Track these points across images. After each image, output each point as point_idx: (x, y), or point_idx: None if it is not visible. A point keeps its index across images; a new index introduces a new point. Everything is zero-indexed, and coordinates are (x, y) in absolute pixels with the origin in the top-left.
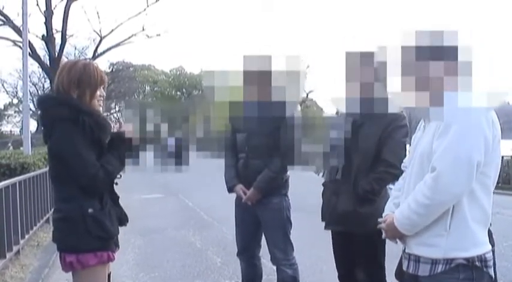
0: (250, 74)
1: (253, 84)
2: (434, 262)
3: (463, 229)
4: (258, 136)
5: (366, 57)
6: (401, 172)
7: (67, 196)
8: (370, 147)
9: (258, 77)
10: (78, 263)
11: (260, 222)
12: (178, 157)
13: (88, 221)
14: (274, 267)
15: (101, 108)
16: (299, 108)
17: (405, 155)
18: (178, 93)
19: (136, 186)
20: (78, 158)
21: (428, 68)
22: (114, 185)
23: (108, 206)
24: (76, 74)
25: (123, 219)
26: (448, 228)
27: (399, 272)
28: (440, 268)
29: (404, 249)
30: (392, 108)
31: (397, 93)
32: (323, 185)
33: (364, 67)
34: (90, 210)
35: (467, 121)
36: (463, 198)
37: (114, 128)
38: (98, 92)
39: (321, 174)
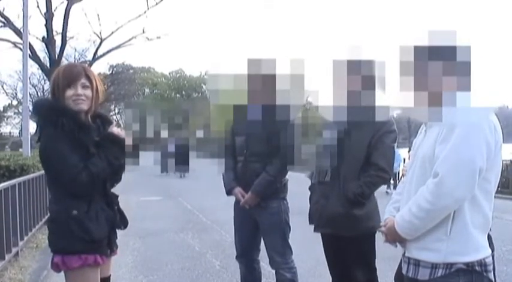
0: (254, 77)
1: (257, 88)
2: (434, 266)
3: (463, 234)
4: (259, 139)
5: (353, 66)
6: (391, 176)
7: (56, 198)
8: (360, 151)
9: (262, 81)
10: (63, 264)
11: (259, 225)
12: (180, 160)
13: (71, 222)
14: (273, 271)
15: (82, 106)
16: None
17: (393, 160)
18: (177, 95)
19: (135, 188)
20: (58, 160)
21: (427, 68)
22: (110, 187)
23: (96, 209)
24: (52, 78)
25: (117, 223)
26: (449, 233)
27: (399, 276)
28: (440, 272)
29: (404, 252)
30: (379, 117)
31: (396, 93)
32: (309, 188)
33: (351, 75)
34: (74, 212)
35: (469, 127)
36: (465, 203)
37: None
38: (70, 92)
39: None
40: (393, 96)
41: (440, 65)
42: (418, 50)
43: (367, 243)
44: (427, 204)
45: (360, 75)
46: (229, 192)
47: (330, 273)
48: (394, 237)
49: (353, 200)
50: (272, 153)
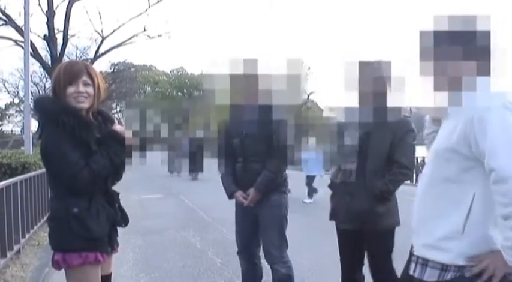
0: (251, 77)
1: (254, 88)
2: (444, 268)
3: (478, 233)
4: (257, 139)
5: (365, 67)
6: (413, 172)
7: (57, 195)
8: (383, 150)
9: (258, 81)
10: (64, 262)
11: (259, 220)
12: (195, 163)
13: (71, 220)
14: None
15: (84, 104)
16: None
17: (414, 157)
18: (179, 93)
19: (136, 186)
20: (59, 158)
21: (447, 53)
22: (111, 185)
23: (96, 206)
24: (53, 76)
25: (118, 221)
26: (462, 231)
27: (405, 276)
28: (449, 275)
29: (412, 250)
30: (391, 117)
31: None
32: (329, 186)
33: (363, 76)
34: (75, 210)
35: (498, 111)
36: (480, 198)
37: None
38: (71, 90)
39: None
40: (412, 96)
41: (460, 50)
42: (437, 34)
43: (388, 238)
44: (505, 209)
45: (372, 77)
46: (230, 196)
47: (342, 270)
48: (504, 269)
49: (379, 197)
50: (270, 152)
